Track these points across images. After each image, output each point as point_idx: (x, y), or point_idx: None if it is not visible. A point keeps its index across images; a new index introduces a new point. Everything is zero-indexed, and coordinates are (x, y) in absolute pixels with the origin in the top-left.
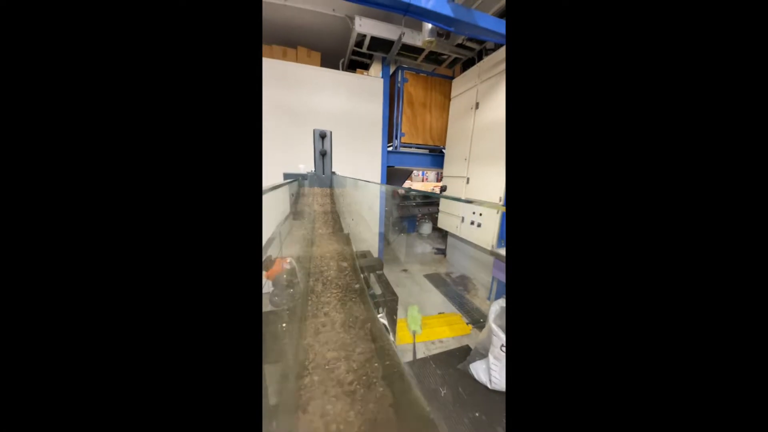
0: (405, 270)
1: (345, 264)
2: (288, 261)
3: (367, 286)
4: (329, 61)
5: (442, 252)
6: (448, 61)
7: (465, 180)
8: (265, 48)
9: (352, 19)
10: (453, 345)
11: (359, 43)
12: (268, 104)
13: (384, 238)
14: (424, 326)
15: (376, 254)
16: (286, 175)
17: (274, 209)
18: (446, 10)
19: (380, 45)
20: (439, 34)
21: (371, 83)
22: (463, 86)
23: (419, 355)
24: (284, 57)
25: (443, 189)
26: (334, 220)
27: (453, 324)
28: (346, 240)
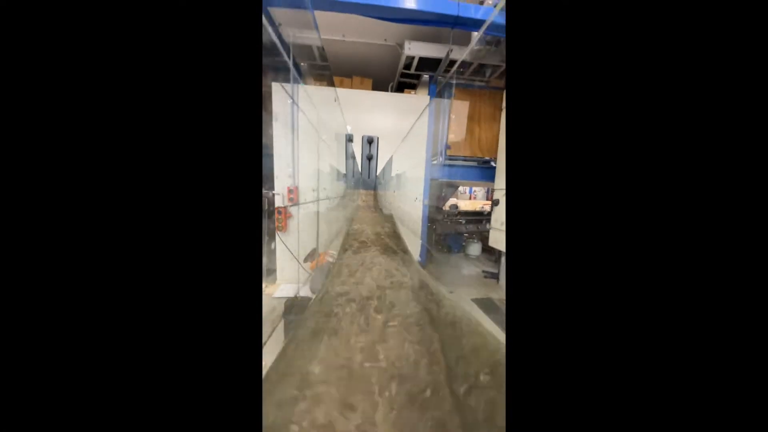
0: (451, 292)
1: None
2: (330, 254)
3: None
4: (380, 84)
5: (494, 276)
6: (500, 70)
7: None
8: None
9: (401, 45)
10: None
11: (407, 66)
12: (328, 123)
13: (427, 231)
14: None
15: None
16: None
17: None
18: (496, 18)
19: (428, 64)
20: (488, 42)
21: (417, 101)
22: None
23: None
24: (341, 85)
25: (495, 203)
26: (377, 210)
27: None
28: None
